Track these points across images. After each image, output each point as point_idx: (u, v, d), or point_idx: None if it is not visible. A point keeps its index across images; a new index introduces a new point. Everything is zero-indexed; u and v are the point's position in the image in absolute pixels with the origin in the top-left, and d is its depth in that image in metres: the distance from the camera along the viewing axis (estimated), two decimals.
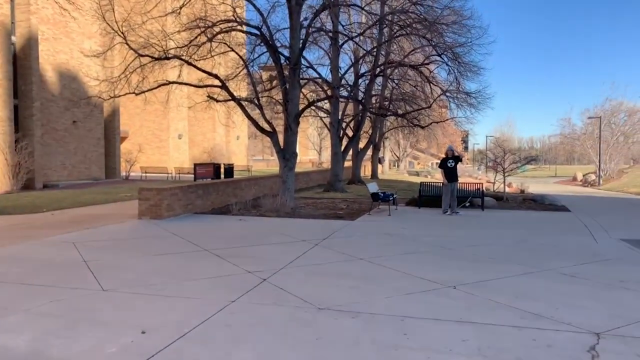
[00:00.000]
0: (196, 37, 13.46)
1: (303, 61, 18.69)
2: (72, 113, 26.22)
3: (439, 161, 13.98)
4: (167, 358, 3.67)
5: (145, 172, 32.46)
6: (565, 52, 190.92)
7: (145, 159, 37.17)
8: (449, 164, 13.62)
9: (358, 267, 6.82)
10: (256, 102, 14.66)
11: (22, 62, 23.17)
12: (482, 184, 16.36)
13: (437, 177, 25.46)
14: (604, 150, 43.65)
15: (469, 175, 46.37)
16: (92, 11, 14.18)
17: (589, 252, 8.10)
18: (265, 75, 23.63)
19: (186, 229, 10.15)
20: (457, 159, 13.93)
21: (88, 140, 27.66)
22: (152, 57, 13.24)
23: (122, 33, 12.74)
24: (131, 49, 12.97)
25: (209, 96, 14.78)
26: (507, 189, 26.54)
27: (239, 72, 16.84)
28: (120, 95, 13.94)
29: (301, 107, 15.44)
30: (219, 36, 13.88)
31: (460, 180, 15.32)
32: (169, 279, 6.04)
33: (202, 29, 13.35)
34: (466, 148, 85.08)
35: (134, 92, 13.61)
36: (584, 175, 45.14)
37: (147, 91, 13.68)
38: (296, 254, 7.58)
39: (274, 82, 17.98)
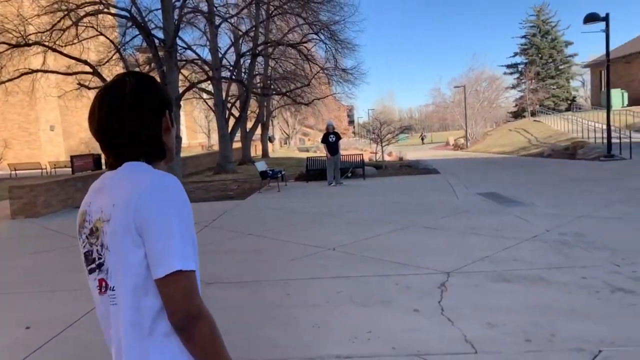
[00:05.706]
0: (59, 21, 12.61)
1: (180, 42, 18.28)
2: None
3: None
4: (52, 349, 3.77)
5: (15, 170, 29.61)
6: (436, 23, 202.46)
7: (14, 155, 33.84)
8: (330, 139, 14.39)
9: (247, 242, 7.18)
10: None
11: None
12: (362, 155, 17.36)
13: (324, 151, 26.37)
14: (470, 116, 48.06)
15: (355, 147, 48.41)
16: None
17: (450, 207, 9.24)
18: (142, 57, 22.62)
19: (67, 224, 9.74)
20: (337, 135, 14.72)
21: None
22: (8, 44, 12.19)
23: None
24: None
25: (79, 83, 13.99)
26: (387, 158, 28.36)
27: (112, 57, 16.06)
28: None
29: (181, 89, 15.20)
30: (86, 20, 13.14)
31: (345, 152, 16.20)
32: (48, 275, 5.93)
33: (65, 12, 12.54)
34: (351, 122, 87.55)
35: None
36: (455, 140, 49.26)
37: (6, 81, 12.60)
38: None
39: (152, 65, 17.40)
